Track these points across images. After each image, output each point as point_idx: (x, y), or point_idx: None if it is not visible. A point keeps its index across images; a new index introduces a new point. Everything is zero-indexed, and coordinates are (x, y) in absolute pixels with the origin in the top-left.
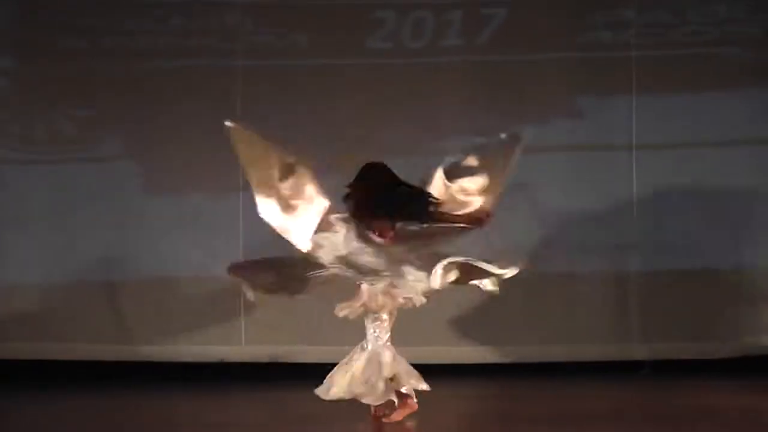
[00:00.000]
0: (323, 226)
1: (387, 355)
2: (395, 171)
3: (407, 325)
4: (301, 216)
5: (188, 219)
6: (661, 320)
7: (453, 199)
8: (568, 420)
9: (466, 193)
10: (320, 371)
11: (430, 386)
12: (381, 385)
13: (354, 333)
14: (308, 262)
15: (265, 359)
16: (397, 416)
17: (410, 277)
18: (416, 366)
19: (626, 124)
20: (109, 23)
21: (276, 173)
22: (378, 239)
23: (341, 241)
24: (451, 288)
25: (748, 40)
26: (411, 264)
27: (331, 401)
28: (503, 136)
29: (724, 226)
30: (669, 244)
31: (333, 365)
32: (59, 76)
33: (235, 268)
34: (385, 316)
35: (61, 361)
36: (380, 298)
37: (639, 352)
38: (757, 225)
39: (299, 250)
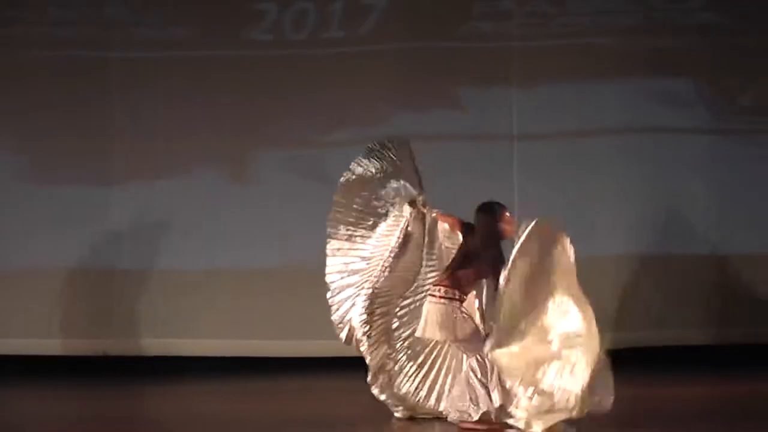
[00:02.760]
0: None
1: None
2: None
3: None
4: None
5: (63, 211)
6: None
7: None
8: None
9: None
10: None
11: None
12: None
13: (311, 327)
14: None
15: (146, 352)
16: None
17: None
18: None
19: (506, 114)
20: None
21: None
22: None
23: None
24: None
25: (622, 31)
26: None
27: None
28: None
29: (605, 214)
30: None
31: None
32: None
33: None
34: None
35: None
36: None
37: None
38: (638, 213)
39: None
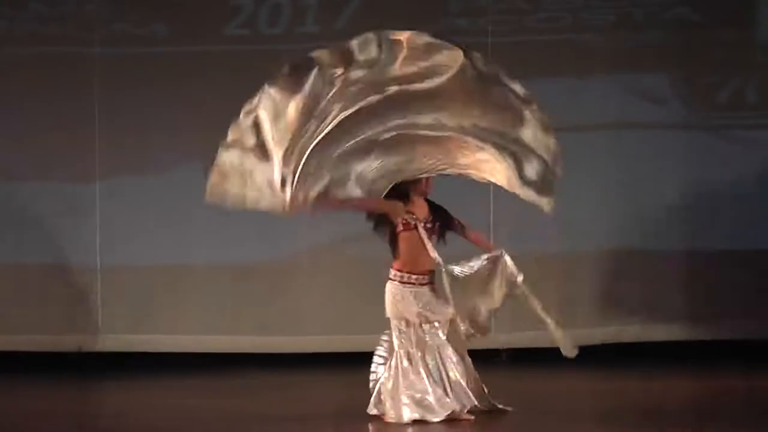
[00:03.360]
0: None
1: None
2: None
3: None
4: None
5: (45, 208)
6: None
7: None
8: None
9: None
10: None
11: None
12: None
13: (287, 323)
14: None
15: (121, 348)
16: None
17: None
18: None
19: None
20: None
21: None
22: None
23: None
24: None
25: (601, 27)
26: None
27: None
28: None
29: (583, 210)
30: (530, 229)
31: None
32: None
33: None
34: None
35: None
36: None
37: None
38: (615, 208)
39: None
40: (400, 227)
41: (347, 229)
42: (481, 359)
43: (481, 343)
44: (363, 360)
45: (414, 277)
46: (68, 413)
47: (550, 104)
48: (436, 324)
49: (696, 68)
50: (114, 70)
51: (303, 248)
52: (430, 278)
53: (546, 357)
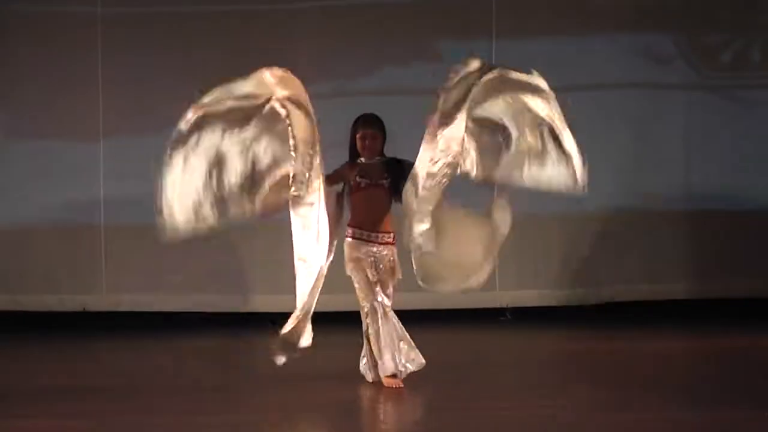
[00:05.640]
0: None
1: None
2: None
3: None
4: None
5: (48, 166)
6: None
7: None
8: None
9: None
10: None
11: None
12: None
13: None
14: None
15: (125, 308)
16: None
17: None
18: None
19: None
20: None
21: None
22: None
23: None
24: None
25: None
26: None
27: None
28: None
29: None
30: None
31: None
32: None
33: None
34: None
35: None
36: None
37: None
38: (617, 168)
39: None
40: (348, 188)
41: None
42: (486, 318)
43: (485, 302)
44: None
45: (365, 233)
46: (72, 373)
47: (553, 63)
48: (378, 288)
49: (700, 28)
50: (117, 29)
51: None
52: (383, 238)
53: (548, 316)
